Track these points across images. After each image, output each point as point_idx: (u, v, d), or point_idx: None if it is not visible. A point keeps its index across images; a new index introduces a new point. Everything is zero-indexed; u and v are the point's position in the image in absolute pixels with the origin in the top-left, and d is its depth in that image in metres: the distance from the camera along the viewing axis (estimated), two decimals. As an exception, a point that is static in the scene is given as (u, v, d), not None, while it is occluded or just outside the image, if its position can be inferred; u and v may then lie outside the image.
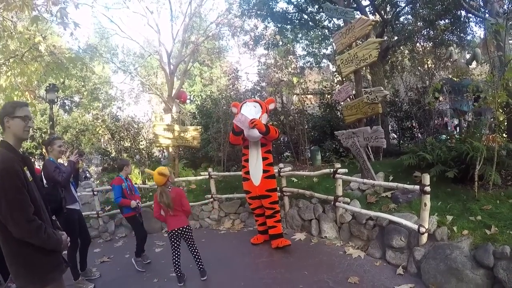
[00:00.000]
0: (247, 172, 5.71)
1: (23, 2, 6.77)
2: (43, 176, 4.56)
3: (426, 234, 4.24)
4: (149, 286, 4.72)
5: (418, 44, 12.94)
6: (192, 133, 8.81)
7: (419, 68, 11.50)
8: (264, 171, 5.57)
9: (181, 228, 4.55)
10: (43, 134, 17.61)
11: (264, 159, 5.61)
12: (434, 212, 4.51)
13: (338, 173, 5.65)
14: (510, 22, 5.92)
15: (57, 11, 6.89)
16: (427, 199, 4.20)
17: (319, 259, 4.96)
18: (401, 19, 13.56)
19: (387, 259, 4.65)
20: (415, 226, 4.26)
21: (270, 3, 14.19)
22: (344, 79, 8.78)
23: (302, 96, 12.02)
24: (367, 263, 4.73)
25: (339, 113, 10.78)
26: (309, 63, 16.22)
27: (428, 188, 4.19)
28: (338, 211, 5.75)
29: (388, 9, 13.18)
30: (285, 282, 4.41)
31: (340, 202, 5.66)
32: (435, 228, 4.27)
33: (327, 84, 12.10)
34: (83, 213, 6.94)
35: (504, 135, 5.53)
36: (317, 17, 14.57)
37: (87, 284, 4.81)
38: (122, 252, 6.23)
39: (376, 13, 12.43)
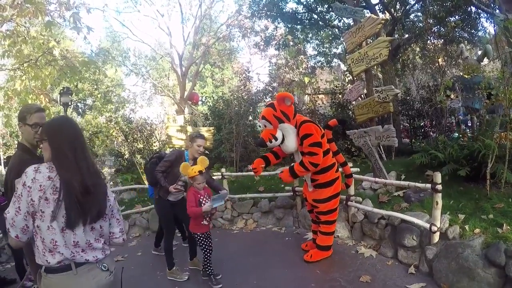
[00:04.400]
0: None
1: (36, 8, 6.91)
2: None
3: (438, 233, 4.23)
4: (164, 283, 4.78)
5: (428, 42, 12.85)
6: (204, 134, 8.88)
7: (430, 66, 11.43)
8: (312, 180, 4.92)
9: None
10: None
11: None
12: (446, 211, 4.50)
13: (350, 173, 5.65)
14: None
15: (70, 16, 7.02)
16: (439, 197, 4.20)
17: (331, 258, 4.98)
18: (411, 16, 13.52)
19: (399, 258, 4.66)
20: (427, 225, 4.26)
21: (280, 4, 14.25)
22: (355, 78, 8.77)
23: (313, 96, 12.03)
24: (379, 262, 4.74)
25: (350, 112, 10.77)
26: (320, 63, 16.25)
27: (439, 187, 4.19)
28: (350, 210, 5.77)
29: (397, 7, 13.13)
30: (297, 281, 4.45)
31: (352, 201, 5.68)
32: (447, 227, 4.26)
33: (338, 84, 12.10)
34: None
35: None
36: (327, 17, 14.59)
37: (182, 274, 4.88)
38: (135, 251, 6.32)
39: (386, 12, 12.42)
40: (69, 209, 1.88)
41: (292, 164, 4.80)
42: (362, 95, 7.07)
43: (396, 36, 12.50)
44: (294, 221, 6.79)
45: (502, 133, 5.19)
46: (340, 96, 11.33)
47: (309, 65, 15.67)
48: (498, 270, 3.50)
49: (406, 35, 13.02)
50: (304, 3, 14.47)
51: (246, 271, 4.90)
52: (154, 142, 13.23)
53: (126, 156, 13.25)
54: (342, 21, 14.48)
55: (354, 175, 5.68)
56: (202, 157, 4.41)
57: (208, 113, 13.46)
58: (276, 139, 4.56)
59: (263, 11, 14.60)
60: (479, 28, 12.48)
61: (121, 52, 23.71)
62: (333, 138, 5.09)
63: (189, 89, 16.50)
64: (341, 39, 13.11)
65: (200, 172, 4.21)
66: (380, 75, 11.93)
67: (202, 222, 4.38)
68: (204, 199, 4.31)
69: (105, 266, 2.08)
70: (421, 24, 12.65)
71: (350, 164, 5.70)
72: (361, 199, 5.73)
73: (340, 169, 5.16)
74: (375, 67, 8.79)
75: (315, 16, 14.57)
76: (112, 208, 2.18)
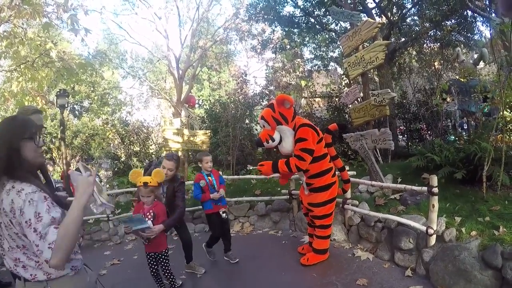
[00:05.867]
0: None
1: (33, 10, 6.91)
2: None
3: (434, 236, 4.23)
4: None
5: (425, 45, 12.91)
6: (201, 137, 8.87)
7: (427, 69, 11.48)
8: (307, 184, 4.90)
9: None
10: (53, 139, 17.83)
11: (305, 171, 4.74)
12: (443, 214, 4.51)
13: (346, 176, 5.64)
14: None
15: (67, 18, 7.01)
16: (435, 200, 4.20)
17: (328, 262, 4.97)
18: (408, 20, 13.58)
19: (396, 261, 4.66)
20: (424, 228, 4.26)
21: (277, 7, 14.27)
22: (351, 81, 8.80)
23: (310, 99, 12.07)
24: (375, 265, 4.74)
25: (347, 116, 10.80)
26: (316, 66, 16.27)
27: (435, 190, 4.19)
28: (347, 213, 5.78)
29: (394, 10, 13.18)
30: (294, 284, 4.44)
31: (348, 204, 5.67)
32: (444, 230, 4.27)
33: (335, 87, 12.14)
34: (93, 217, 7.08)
35: (512, 135, 5.51)
36: (324, 21, 14.62)
37: (199, 268, 4.98)
38: (131, 254, 6.29)
39: (383, 15, 12.45)
40: None
41: (276, 160, 4.80)
42: (359, 99, 7.08)
43: (393, 39, 12.56)
44: (290, 224, 6.78)
45: (498, 136, 5.21)
46: (336, 99, 11.35)
47: (305, 69, 15.74)
48: (495, 272, 3.50)
49: (403, 39, 13.07)
50: (301, 6, 14.49)
51: (243, 275, 4.89)
52: (151, 145, 13.23)
53: (123, 158, 13.22)
54: (339, 24, 14.53)
55: (351, 178, 5.67)
56: (157, 169, 4.07)
57: (205, 116, 13.45)
58: (273, 140, 4.61)
59: (260, 15, 14.63)
60: (475, 32, 12.54)
61: (118, 54, 23.74)
62: (332, 142, 5.09)
63: (186, 92, 16.49)
64: (338, 42, 13.15)
65: (145, 184, 3.82)
66: (377, 79, 11.97)
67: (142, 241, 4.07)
68: (145, 215, 3.85)
69: None
70: (417, 28, 12.74)
71: (346, 167, 5.70)
72: (357, 202, 5.72)
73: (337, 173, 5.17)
74: (372, 70, 8.83)
75: (312, 20, 14.59)
76: (22, 226, 1.74)
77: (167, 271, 4.22)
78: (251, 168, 4.98)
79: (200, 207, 6.98)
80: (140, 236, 3.86)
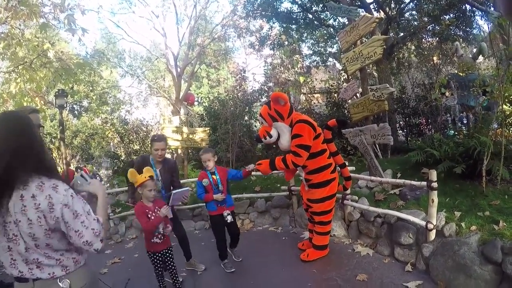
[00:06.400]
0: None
1: (30, 10, 6.90)
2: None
3: (434, 231, 4.23)
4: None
5: (423, 40, 12.87)
6: (200, 134, 8.88)
7: (426, 64, 11.46)
8: (306, 180, 4.91)
9: None
10: (53, 139, 17.83)
11: (303, 167, 4.79)
12: (442, 208, 4.50)
13: (346, 171, 5.63)
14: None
15: (64, 18, 7.00)
16: (434, 195, 4.20)
17: (328, 257, 4.98)
18: (406, 15, 13.54)
19: (396, 256, 4.65)
20: (423, 223, 4.26)
21: (275, 4, 14.23)
22: (350, 77, 8.78)
23: (309, 95, 12.05)
24: (375, 260, 4.74)
25: (346, 111, 10.78)
26: (315, 62, 16.24)
27: (435, 184, 4.18)
28: (346, 209, 5.78)
29: (392, 5, 13.14)
30: (294, 280, 4.44)
31: (348, 200, 5.67)
32: (443, 224, 4.26)
33: (334, 83, 12.10)
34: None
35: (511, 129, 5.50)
36: (321, 16, 14.59)
37: (199, 265, 5.04)
38: (132, 253, 6.29)
39: (381, 10, 12.41)
40: None
41: (273, 158, 4.86)
42: (357, 94, 7.07)
43: (391, 34, 12.53)
44: (290, 220, 6.79)
45: (498, 130, 5.20)
46: (335, 95, 11.33)
47: (304, 65, 15.70)
48: (495, 267, 3.49)
49: (401, 34, 13.05)
50: (299, 2, 14.46)
51: (243, 271, 4.89)
52: (150, 143, 13.20)
53: (123, 157, 13.22)
54: (337, 20, 14.48)
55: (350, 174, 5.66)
56: (147, 167, 3.98)
57: (204, 114, 13.43)
58: (270, 136, 4.72)
59: (258, 11, 14.59)
60: (473, 26, 12.50)
61: (116, 53, 23.68)
62: (332, 138, 5.09)
63: (184, 89, 16.47)
64: (336, 38, 13.13)
65: (151, 177, 3.84)
66: (376, 74, 11.95)
67: (152, 240, 3.98)
68: (153, 214, 3.82)
69: (66, 282, 1.89)
70: (416, 23, 12.70)
71: (345, 163, 5.69)
72: (357, 198, 5.72)
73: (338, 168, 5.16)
74: (371, 65, 8.81)
75: (310, 16, 14.55)
76: (58, 221, 1.78)
77: (174, 267, 4.28)
78: (251, 169, 4.89)
79: (200, 204, 7.02)
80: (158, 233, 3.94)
